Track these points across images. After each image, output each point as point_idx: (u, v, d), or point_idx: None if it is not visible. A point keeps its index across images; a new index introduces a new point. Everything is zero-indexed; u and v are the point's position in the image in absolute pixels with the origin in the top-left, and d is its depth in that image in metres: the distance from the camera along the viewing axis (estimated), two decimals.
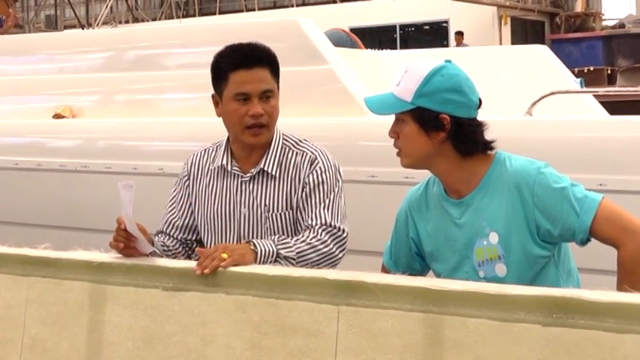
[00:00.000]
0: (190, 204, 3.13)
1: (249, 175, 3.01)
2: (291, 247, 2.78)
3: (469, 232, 2.69)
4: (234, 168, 3.04)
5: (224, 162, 3.05)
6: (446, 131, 2.63)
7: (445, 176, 2.72)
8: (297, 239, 2.83)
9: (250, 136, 2.96)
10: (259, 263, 2.67)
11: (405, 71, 2.69)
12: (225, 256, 2.55)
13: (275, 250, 2.73)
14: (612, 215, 2.57)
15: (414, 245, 2.87)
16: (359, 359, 2.27)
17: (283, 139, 3.05)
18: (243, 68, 2.93)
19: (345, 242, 2.91)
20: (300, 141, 3.06)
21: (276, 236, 2.85)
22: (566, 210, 2.57)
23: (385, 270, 2.96)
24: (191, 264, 2.60)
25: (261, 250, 2.69)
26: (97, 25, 25.03)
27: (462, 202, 2.70)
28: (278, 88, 3.02)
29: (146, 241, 2.75)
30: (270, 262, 2.70)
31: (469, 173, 2.69)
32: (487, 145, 2.69)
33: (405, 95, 2.65)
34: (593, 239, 2.61)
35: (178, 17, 27.53)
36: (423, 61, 2.73)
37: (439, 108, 2.62)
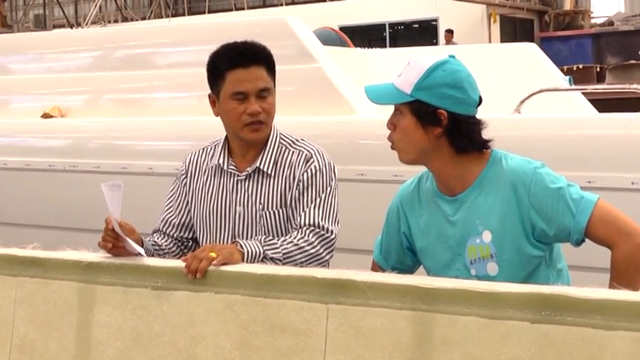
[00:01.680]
0: (187, 202, 3.14)
1: (244, 173, 3.02)
2: (277, 247, 2.79)
3: (462, 230, 2.69)
4: (230, 167, 3.04)
5: (220, 161, 3.06)
6: (442, 127, 2.62)
7: (440, 172, 2.70)
8: (284, 240, 2.83)
9: (250, 132, 2.96)
10: (246, 260, 2.67)
11: (407, 63, 2.68)
12: (213, 255, 2.55)
13: (262, 251, 2.73)
14: (607, 216, 2.57)
15: (406, 240, 2.86)
16: (348, 358, 2.27)
17: (280, 138, 3.06)
18: (240, 67, 2.94)
19: (332, 244, 2.90)
20: (298, 140, 3.07)
21: (263, 237, 2.85)
22: (562, 210, 2.57)
23: (375, 265, 2.96)
24: (180, 263, 2.60)
25: (247, 251, 2.69)
26: (86, 24, 24.93)
27: (456, 200, 2.70)
28: (274, 86, 3.03)
29: (133, 242, 2.75)
30: (257, 263, 2.70)
31: (464, 170, 2.68)
32: (484, 144, 2.68)
33: (405, 87, 2.63)
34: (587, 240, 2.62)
35: (167, 16, 27.43)
36: (427, 54, 2.72)
37: (437, 102, 2.61)
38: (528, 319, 2.09)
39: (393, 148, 2.73)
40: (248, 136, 2.98)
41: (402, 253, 2.89)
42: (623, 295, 2.04)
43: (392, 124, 2.70)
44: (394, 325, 2.23)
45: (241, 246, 2.70)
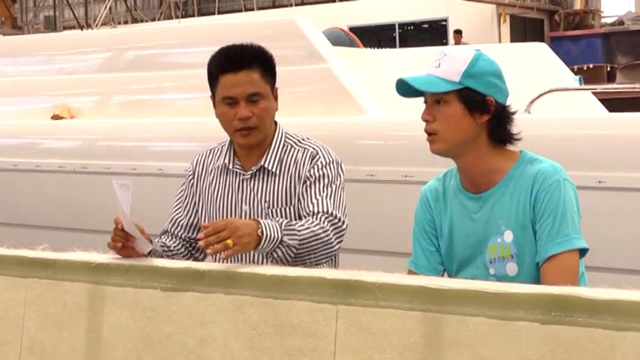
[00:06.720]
0: (195, 203, 3.15)
1: (250, 172, 3.02)
2: (296, 234, 2.76)
3: (484, 228, 2.67)
4: (235, 166, 3.05)
5: (226, 161, 3.07)
6: (490, 113, 2.64)
7: (471, 167, 2.69)
8: (302, 226, 2.80)
9: (240, 137, 2.98)
10: (261, 246, 2.66)
11: (443, 54, 2.68)
12: (230, 243, 2.53)
13: (279, 237, 2.71)
14: (568, 268, 2.54)
15: (435, 239, 2.82)
16: (358, 359, 2.27)
17: (286, 136, 3.06)
18: (230, 72, 2.94)
19: (343, 234, 2.90)
20: (303, 139, 3.07)
21: (285, 221, 2.82)
22: (548, 231, 2.56)
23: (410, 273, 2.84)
24: (190, 264, 2.60)
25: (266, 236, 2.66)
26: (96, 25, 25.02)
27: (481, 197, 2.69)
28: (273, 88, 3.01)
29: (144, 239, 2.76)
30: (271, 247, 2.69)
31: (494, 167, 2.67)
32: (515, 137, 2.70)
33: (452, 75, 2.62)
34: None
35: (177, 17, 27.53)
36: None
37: (485, 90, 2.63)
38: (538, 320, 2.08)
39: (429, 140, 2.69)
40: (239, 141, 3.00)
41: (435, 254, 2.83)
42: (634, 295, 2.03)
43: (430, 115, 2.67)
44: (404, 326, 2.22)
45: (262, 231, 2.66)
